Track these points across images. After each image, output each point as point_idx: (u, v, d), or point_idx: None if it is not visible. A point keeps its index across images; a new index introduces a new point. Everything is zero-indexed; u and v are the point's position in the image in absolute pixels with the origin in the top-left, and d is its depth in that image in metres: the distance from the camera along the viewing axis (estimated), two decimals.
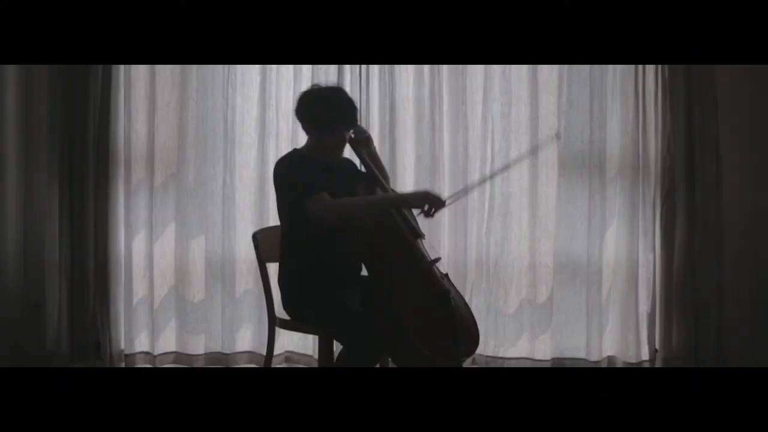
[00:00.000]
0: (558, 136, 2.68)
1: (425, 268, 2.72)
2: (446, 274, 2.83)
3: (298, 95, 2.86)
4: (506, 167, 2.89)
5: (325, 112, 2.71)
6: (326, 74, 3.65)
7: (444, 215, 3.64)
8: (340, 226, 2.66)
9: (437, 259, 2.79)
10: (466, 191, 2.79)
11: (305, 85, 3.55)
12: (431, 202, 2.65)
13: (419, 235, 2.80)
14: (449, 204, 2.71)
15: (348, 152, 3.01)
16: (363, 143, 2.90)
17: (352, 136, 2.83)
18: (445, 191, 3.60)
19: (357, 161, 3.09)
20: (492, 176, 2.87)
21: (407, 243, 2.76)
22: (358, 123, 2.82)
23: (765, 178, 3.68)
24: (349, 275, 2.85)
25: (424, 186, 3.60)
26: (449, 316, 2.61)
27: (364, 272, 2.88)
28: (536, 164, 3.67)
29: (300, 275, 2.77)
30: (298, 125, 3.54)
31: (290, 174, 2.70)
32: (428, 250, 2.84)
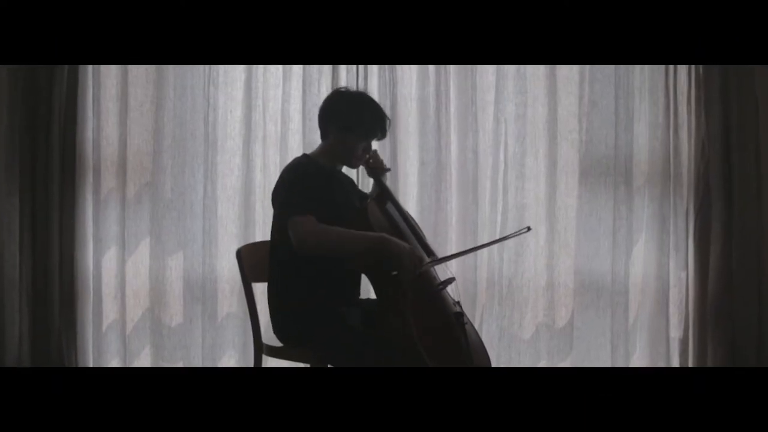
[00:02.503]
0: (528, 228, 2.85)
1: (437, 289, 2.65)
2: (458, 302, 2.71)
3: (328, 95, 2.85)
4: (482, 246, 3.03)
5: (357, 113, 2.71)
6: (320, 70, 3.58)
7: (451, 229, 3.59)
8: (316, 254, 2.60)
9: (451, 279, 2.69)
10: (449, 258, 2.79)
11: (295, 83, 3.64)
12: (414, 263, 2.53)
13: (432, 253, 2.72)
14: (424, 269, 2.59)
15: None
16: (380, 170, 2.86)
17: (371, 161, 2.83)
18: (452, 202, 3.59)
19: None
20: (469, 251, 2.97)
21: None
22: (386, 134, 2.83)
23: None
24: (348, 294, 2.77)
25: (428, 195, 3.55)
26: (463, 338, 2.53)
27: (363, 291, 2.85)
28: (554, 172, 3.59)
29: (294, 292, 2.66)
30: (288, 128, 3.64)
31: (298, 182, 2.61)
32: (440, 271, 2.77)
